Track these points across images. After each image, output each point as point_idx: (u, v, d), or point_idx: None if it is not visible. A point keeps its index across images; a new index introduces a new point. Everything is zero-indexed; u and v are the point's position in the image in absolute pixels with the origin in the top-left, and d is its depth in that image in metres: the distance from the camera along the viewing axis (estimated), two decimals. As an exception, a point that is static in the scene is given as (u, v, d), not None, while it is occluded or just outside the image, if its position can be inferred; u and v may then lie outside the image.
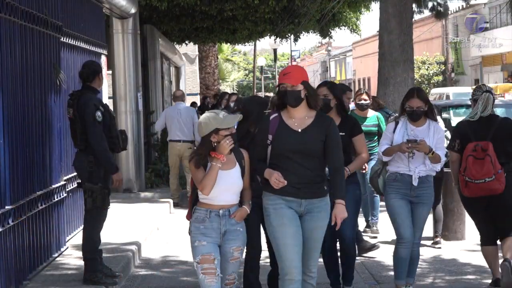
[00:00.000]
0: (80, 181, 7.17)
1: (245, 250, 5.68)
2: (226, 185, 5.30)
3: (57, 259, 7.86)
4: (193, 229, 5.34)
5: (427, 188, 6.67)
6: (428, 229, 9.34)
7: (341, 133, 5.67)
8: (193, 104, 20.44)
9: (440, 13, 15.66)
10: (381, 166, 6.84)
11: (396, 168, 6.70)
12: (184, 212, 12.64)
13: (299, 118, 5.42)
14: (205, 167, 5.28)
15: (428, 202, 6.71)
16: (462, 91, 30.36)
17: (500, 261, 6.76)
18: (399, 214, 6.62)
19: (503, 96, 23.03)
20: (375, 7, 19.64)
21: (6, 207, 6.28)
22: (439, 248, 8.98)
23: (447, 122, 14.75)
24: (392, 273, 7.76)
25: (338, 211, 5.37)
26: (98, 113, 6.81)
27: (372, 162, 8.46)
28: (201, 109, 20.10)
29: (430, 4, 15.33)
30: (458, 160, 6.84)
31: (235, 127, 5.34)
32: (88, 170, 6.88)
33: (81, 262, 7.22)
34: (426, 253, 8.56)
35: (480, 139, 6.68)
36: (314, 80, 79.99)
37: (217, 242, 5.33)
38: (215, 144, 5.27)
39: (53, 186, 7.79)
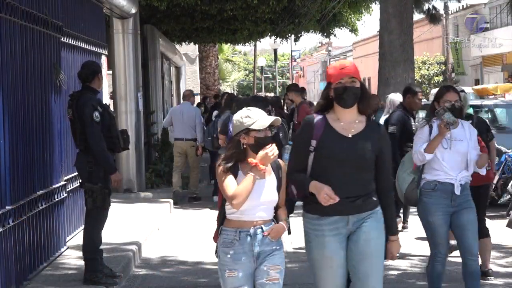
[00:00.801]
0: (81, 181, 7.17)
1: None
2: (259, 197, 4.52)
3: (57, 259, 7.86)
4: (221, 254, 4.58)
5: (468, 195, 6.10)
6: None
7: None
8: (199, 104, 20.44)
9: (434, 17, 15.67)
10: (416, 174, 6.19)
11: (434, 176, 6.07)
12: (184, 212, 12.73)
13: (348, 122, 4.68)
14: (235, 175, 4.51)
15: (472, 206, 6.11)
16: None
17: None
18: (439, 233, 6.06)
19: (504, 96, 23.00)
20: (375, 7, 19.63)
21: (7, 207, 6.28)
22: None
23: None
24: (392, 272, 7.76)
25: (394, 249, 4.73)
26: (96, 113, 6.83)
27: None
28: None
29: (425, 7, 15.34)
30: None
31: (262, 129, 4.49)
32: (88, 170, 6.89)
33: (81, 262, 7.22)
34: (426, 252, 8.54)
35: None
36: (315, 81, 80.00)
37: (250, 270, 4.54)
38: (244, 146, 4.52)
39: (54, 186, 7.79)
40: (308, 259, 4.80)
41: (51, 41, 7.89)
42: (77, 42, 9.16)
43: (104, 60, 10.88)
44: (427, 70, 41.42)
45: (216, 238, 4.69)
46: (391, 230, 4.72)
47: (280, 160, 4.67)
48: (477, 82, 39.51)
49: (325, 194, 4.47)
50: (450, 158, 6.03)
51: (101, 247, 7.15)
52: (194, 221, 11.41)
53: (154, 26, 18.40)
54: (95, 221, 6.98)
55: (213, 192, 13.57)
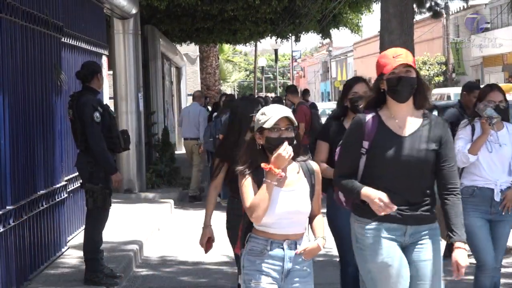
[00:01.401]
0: (82, 181, 7.18)
1: None
2: (288, 208, 3.97)
3: (58, 259, 7.86)
4: (247, 263, 4.06)
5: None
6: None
7: None
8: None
9: (437, 13, 15.66)
10: None
11: (472, 181, 5.70)
12: (185, 212, 12.73)
13: (403, 119, 4.14)
14: (259, 183, 3.97)
15: (509, 219, 5.72)
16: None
17: None
18: (480, 238, 5.59)
19: (504, 97, 22.98)
20: (376, 7, 19.63)
21: (7, 207, 6.28)
22: None
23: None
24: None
25: (460, 258, 4.15)
26: (96, 114, 6.84)
27: None
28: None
29: (427, 4, 15.32)
30: None
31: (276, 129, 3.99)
32: (89, 170, 6.90)
33: (82, 262, 7.22)
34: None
35: None
36: (315, 81, 80.00)
37: (277, 284, 4.03)
38: (260, 147, 4.02)
39: (54, 186, 7.79)
40: (360, 270, 4.27)
41: (51, 42, 7.89)
42: (77, 43, 9.16)
43: (104, 60, 10.89)
44: (428, 70, 41.42)
45: (239, 248, 4.22)
46: (456, 233, 4.11)
47: (312, 163, 4.16)
48: (477, 82, 39.49)
49: (381, 203, 3.95)
50: (492, 163, 5.67)
51: (102, 247, 7.15)
52: (195, 221, 11.39)
53: (155, 27, 18.41)
54: (95, 221, 6.99)
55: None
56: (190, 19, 18.52)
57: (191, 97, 29.82)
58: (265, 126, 3.96)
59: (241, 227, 4.20)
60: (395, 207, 3.97)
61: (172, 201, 12.65)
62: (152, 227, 10.26)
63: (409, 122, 4.13)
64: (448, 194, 4.12)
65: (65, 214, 8.29)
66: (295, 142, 3.99)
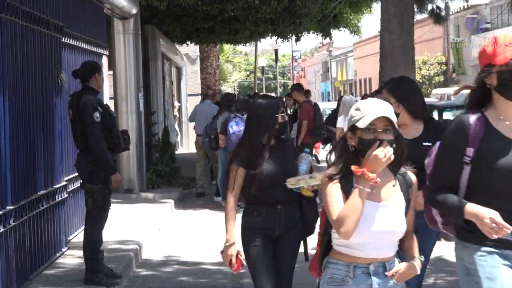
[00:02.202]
0: (81, 181, 7.18)
1: None
2: (381, 226, 3.35)
3: (58, 259, 7.86)
4: None
5: None
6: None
7: (427, 143, 4.49)
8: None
9: (439, 17, 15.64)
10: None
11: None
12: (185, 212, 12.74)
13: None
14: (347, 193, 3.34)
15: None
16: (463, 92, 30.30)
17: None
18: None
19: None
20: (376, 7, 19.65)
21: (7, 207, 6.28)
22: None
23: (448, 122, 14.82)
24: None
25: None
26: (96, 114, 6.84)
27: None
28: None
29: (429, 7, 15.31)
30: None
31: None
32: (88, 170, 6.91)
33: (82, 263, 7.22)
34: (427, 253, 8.56)
35: None
36: (316, 81, 80.00)
37: None
38: (352, 148, 3.40)
39: (55, 186, 7.79)
40: None
41: (52, 42, 7.89)
42: (78, 43, 9.16)
43: (105, 60, 10.89)
44: (428, 70, 41.43)
45: (316, 272, 3.61)
46: None
47: (410, 174, 3.50)
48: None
49: (493, 223, 3.23)
50: None
51: (102, 247, 7.16)
52: (195, 222, 11.41)
53: (155, 27, 18.41)
54: (95, 221, 6.99)
55: (215, 193, 13.60)
56: (191, 19, 18.52)
57: (191, 97, 29.96)
58: (358, 125, 3.33)
59: (317, 249, 3.60)
60: (511, 228, 3.24)
61: (172, 201, 12.65)
62: (152, 227, 10.26)
63: None
64: None
65: (65, 214, 8.29)
66: (394, 146, 3.34)
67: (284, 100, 13.44)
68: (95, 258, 6.97)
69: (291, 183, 4.66)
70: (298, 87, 14.36)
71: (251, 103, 5.02)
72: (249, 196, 4.80)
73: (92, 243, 6.97)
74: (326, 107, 31.68)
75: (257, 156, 4.70)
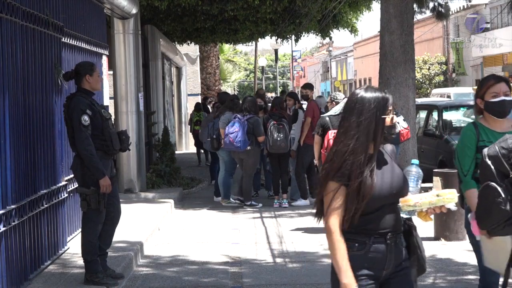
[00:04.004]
0: (77, 184, 7.20)
1: None
2: None
3: (59, 259, 7.86)
4: None
5: None
6: (430, 229, 9.35)
7: None
8: (197, 105, 20.40)
9: (441, 14, 15.64)
10: None
11: None
12: (185, 212, 12.75)
13: None
14: None
15: None
16: (463, 92, 30.36)
17: None
18: None
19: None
20: (376, 6, 19.61)
21: (8, 206, 6.28)
22: None
23: (448, 122, 14.82)
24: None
25: None
26: (85, 117, 6.80)
27: None
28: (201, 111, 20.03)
29: (431, 5, 15.30)
30: (320, 141, 9.57)
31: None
32: (81, 173, 6.90)
33: (82, 262, 7.23)
34: (426, 253, 8.56)
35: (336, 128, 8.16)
36: (315, 81, 79.98)
37: None
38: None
39: (55, 186, 7.80)
40: None
41: (52, 42, 7.90)
42: (78, 43, 9.16)
43: (105, 60, 10.89)
44: (428, 70, 41.44)
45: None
46: None
47: None
48: (477, 82, 39.47)
49: None
50: None
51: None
52: (195, 221, 11.42)
53: (155, 27, 18.41)
54: (91, 223, 6.99)
55: (214, 192, 13.62)
56: (191, 19, 18.53)
57: (191, 97, 29.96)
58: None
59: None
60: None
61: (172, 201, 12.66)
62: (152, 227, 10.26)
63: None
64: None
65: (66, 214, 8.30)
66: None
67: (284, 100, 13.41)
68: (93, 260, 6.97)
69: (407, 204, 3.62)
70: (309, 85, 14.18)
71: (353, 97, 3.69)
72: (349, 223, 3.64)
73: (90, 245, 6.97)
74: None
75: (363, 170, 3.56)
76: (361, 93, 3.64)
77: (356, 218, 3.53)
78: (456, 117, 15.31)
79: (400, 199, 3.60)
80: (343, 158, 3.56)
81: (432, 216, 3.65)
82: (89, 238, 6.98)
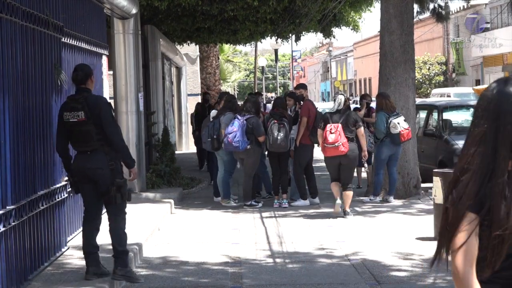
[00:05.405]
0: (100, 180, 7.07)
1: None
2: None
3: (58, 259, 7.86)
4: None
5: None
6: (430, 229, 9.34)
7: None
8: (197, 105, 20.35)
9: (441, 16, 15.64)
10: None
11: None
12: (185, 212, 12.75)
13: None
14: None
15: None
16: (463, 91, 30.38)
17: None
18: None
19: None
20: (376, 5, 19.61)
21: (8, 207, 6.28)
22: None
23: (448, 122, 14.81)
24: (393, 273, 7.76)
25: None
26: (113, 112, 7.10)
27: None
28: (201, 111, 20.01)
29: (431, 6, 15.30)
30: (322, 134, 11.15)
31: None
32: (110, 168, 7.00)
33: (82, 262, 7.24)
34: (427, 253, 8.56)
35: (334, 122, 11.19)
36: (315, 81, 80.00)
37: None
38: None
39: (54, 186, 7.80)
40: None
41: (52, 42, 7.90)
42: (78, 43, 9.16)
43: (104, 60, 10.89)
44: (428, 70, 41.45)
45: None
46: None
47: None
48: (477, 82, 39.51)
49: None
50: None
51: (102, 247, 7.18)
52: (195, 222, 11.41)
53: (155, 27, 18.41)
54: (124, 213, 7.17)
55: (214, 193, 13.61)
56: (191, 19, 18.53)
57: (191, 97, 29.96)
58: None
59: None
60: None
61: (172, 201, 12.65)
62: (152, 227, 10.26)
63: None
64: None
65: (65, 214, 8.30)
66: None
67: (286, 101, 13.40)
68: (126, 251, 7.14)
69: None
70: (303, 85, 14.23)
71: (488, 94, 2.61)
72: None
73: (125, 236, 7.13)
74: (327, 106, 31.67)
75: (503, 195, 2.51)
76: (499, 87, 2.59)
77: (495, 261, 2.58)
78: (456, 118, 15.30)
79: None
80: (480, 180, 2.53)
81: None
82: (124, 228, 7.14)
